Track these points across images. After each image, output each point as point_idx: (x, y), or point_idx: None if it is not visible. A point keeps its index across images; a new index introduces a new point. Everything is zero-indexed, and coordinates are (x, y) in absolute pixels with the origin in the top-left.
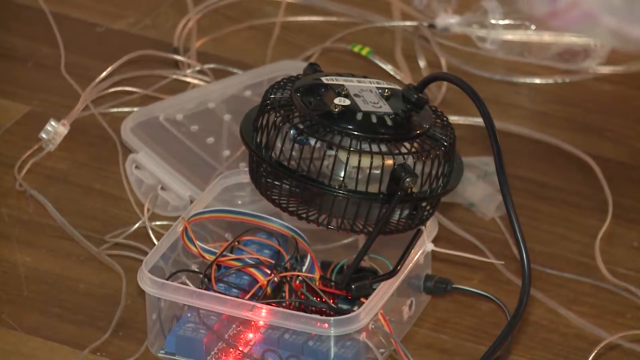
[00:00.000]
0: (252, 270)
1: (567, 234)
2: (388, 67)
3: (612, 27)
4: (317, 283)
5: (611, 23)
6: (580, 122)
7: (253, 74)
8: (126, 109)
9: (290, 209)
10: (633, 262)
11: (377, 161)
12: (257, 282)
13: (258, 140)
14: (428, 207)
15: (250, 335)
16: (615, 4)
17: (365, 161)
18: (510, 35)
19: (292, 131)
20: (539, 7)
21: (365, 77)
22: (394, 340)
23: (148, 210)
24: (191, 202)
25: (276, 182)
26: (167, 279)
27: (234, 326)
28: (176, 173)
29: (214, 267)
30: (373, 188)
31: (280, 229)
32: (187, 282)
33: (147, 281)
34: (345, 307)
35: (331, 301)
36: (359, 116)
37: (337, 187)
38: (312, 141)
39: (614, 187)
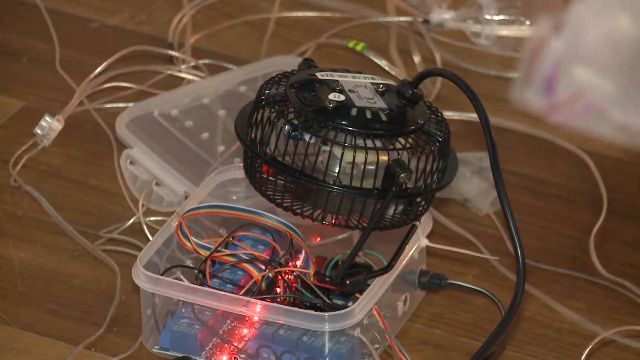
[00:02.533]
0: (247, 265)
1: (561, 230)
2: (383, 63)
3: (618, 120)
4: (311, 278)
5: (618, 116)
6: None
7: (248, 70)
8: (121, 105)
9: (284, 204)
10: (627, 258)
11: (371, 157)
12: (252, 277)
13: (253, 135)
14: (423, 203)
15: (245, 331)
16: (614, 94)
17: (360, 157)
18: (504, 31)
19: (286, 127)
20: (535, 102)
21: (360, 72)
22: (388, 336)
23: (142, 205)
24: (186, 197)
25: (271, 178)
26: (162, 275)
27: (228, 322)
28: (171, 168)
29: (209, 262)
30: (368, 184)
31: (274, 224)
32: (182, 277)
33: (141, 277)
34: (339, 302)
35: (326, 297)
36: (354, 112)
37: (331, 182)
38: (307, 137)
39: (608, 182)
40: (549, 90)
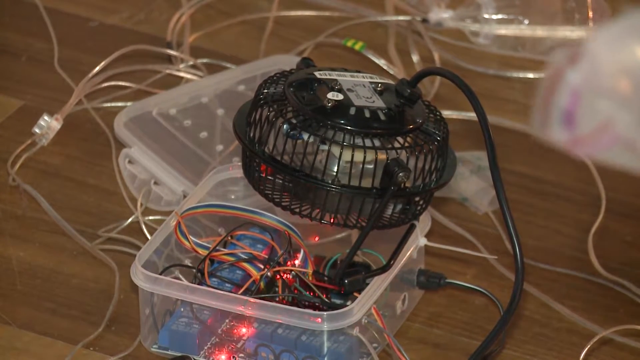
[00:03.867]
0: (245, 265)
1: (560, 229)
2: (381, 62)
3: None
4: (310, 278)
5: None
6: None
7: (246, 69)
8: (119, 104)
9: (283, 203)
10: (626, 257)
11: (370, 156)
12: (250, 276)
13: (251, 135)
14: (421, 202)
15: (244, 330)
16: (638, 125)
17: (359, 156)
18: (503, 30)
19: (285, 126)
20: (557, 136)
21: (359, 71)
22: (387, 335)
23: (141, 204)
24: (184, 196)
25: (269, 177)
26: (160, 274)
27: (227, 321)
28: (169, 168)
29: (207, 261)
30: (366, 183)
31: (273, 223)
32: (180, 276)
33: (140, 276)
34: (338, 301)
35: (324, 296)
36: (352, 111)
37: (330, 181)
38: (305, 136)
39: (607, 181)
40: (570, 123)
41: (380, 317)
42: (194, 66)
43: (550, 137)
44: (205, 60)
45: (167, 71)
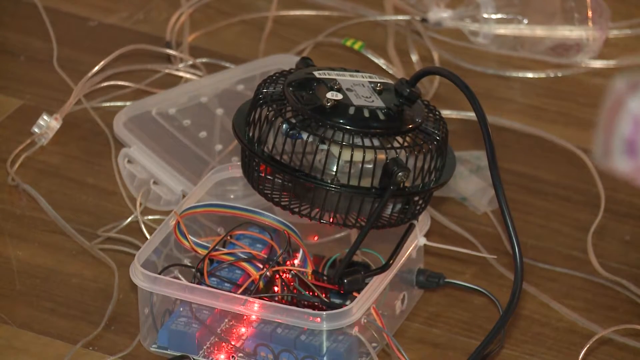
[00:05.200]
0: (245, 264)
1: (559, 228)
2: (380, 62)
3: None
4: (309, 277)
5: None
6: (572, 116)
7: (245, 68)
8: (119, 103)
9: (282, 203)
10: (625, 256)
11: (369, 155)
12: (250, 276)
13: (250, 134)
14: (420, 202)
15: (243, 330)
16: None
17: (358, 155)
18: (502, 30)
19: (284, 125)
20: (620, 165)
21: (358, 71)
22: (386, 335)
23: (140, 204)
24: (183, 196)
25: (269, 177)
26: (160, 273)
27: (226, 320)
28: (168, 167)
29: (207, 261)
30: (365, 182)
31: (272, 223)
32: (180, 276)
33: (139, 275)
34: (337, 301)
35: (323, 295)
36: (352, 110)
37: (329, 181)
38: (305, 135)
39: (606, 181)
40: (633, 152)
41: (379, 316)
42: (193, 66)
43: (613, 166)
44: (204, 60)
45: (167, 71)
